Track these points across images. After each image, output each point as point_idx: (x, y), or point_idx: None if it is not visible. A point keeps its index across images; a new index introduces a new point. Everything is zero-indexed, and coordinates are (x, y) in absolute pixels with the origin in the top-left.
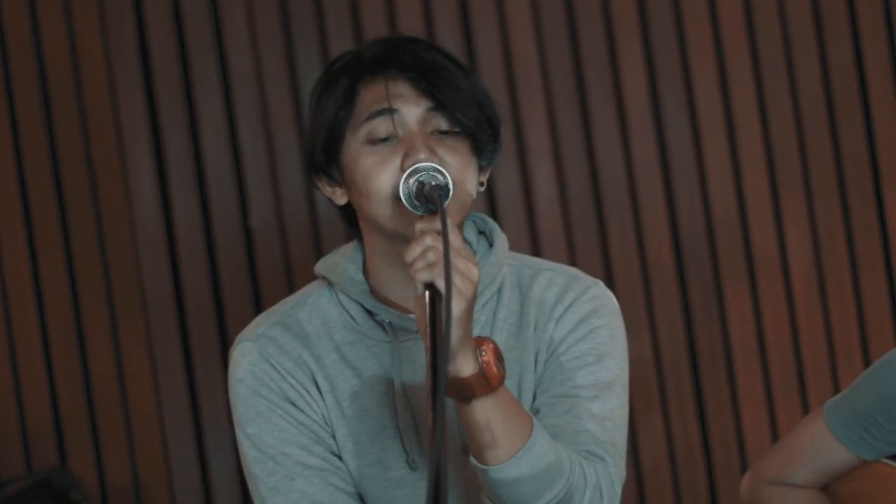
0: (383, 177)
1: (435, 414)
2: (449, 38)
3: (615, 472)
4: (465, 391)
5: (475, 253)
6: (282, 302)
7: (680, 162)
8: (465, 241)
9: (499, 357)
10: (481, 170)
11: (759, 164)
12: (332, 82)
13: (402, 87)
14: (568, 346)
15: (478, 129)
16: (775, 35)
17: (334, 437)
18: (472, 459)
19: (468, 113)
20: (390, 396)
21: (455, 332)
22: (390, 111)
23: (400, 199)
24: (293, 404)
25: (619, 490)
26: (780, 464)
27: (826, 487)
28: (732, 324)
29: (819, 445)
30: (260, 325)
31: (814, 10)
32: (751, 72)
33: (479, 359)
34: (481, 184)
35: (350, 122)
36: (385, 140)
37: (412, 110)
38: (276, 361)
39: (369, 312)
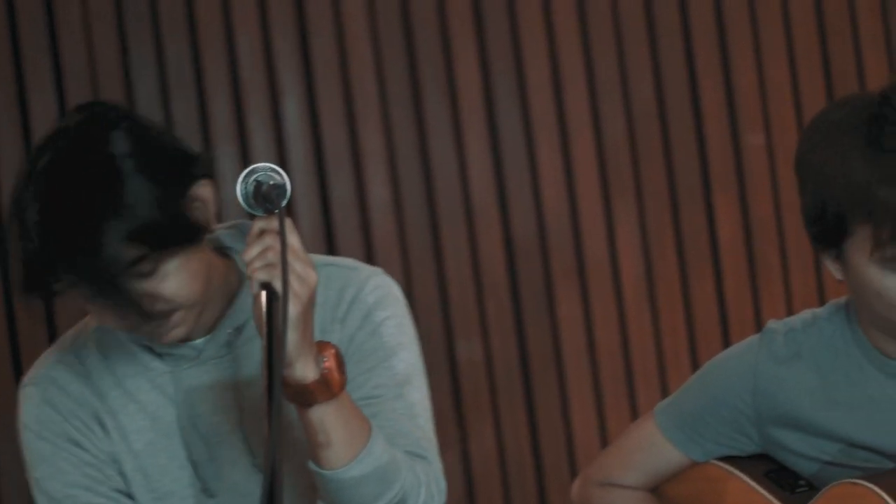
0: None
1: (271, 416)
2: (284, 41)
3: (438, 466)
4: (307, 397)
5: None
6: (64, 337)
7: (513, 166)
8: (228, 247)
9: (340, 362)
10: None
11: (591, 170)
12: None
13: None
14: (359, 345)
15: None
16: (608, 40)
17: (122, 474)
18: (311, 464)
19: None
20: (177, 427)
21: (293, 336)
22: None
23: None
24: (77, 445)
25: (444, 486)
26: (611, 465)
27: (656, 489)
28: (563, 328)
29: (649, 447)
30: (43, 363)
31: (647, 14)
32: (584, 77)
33: (321, 364)
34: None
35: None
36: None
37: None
38: (58, 403)
39: (146, 345)
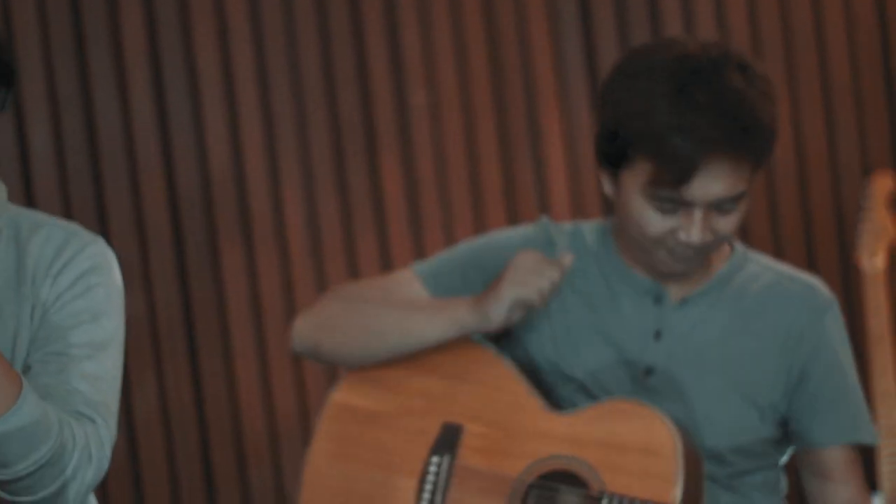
0: None
1: None
2: None
3: (105, 433)
4: None
5: None
6: None
7: (178, 118)
8: None
9: None
10: None
11: (255, 124)
12: None
13: None
14: (64, 303)
15: None
16: None
17: None
18: None
19: None
20: None
21: None
22: None
23: None
24: None
25: (108, 452)
26: (357, 285)
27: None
28: (228, 282)
29: (400, 282)
30: None
31: None
32: (249, 30)
33: None
34: None
35: None
36: None
37: None
38: None
39: None
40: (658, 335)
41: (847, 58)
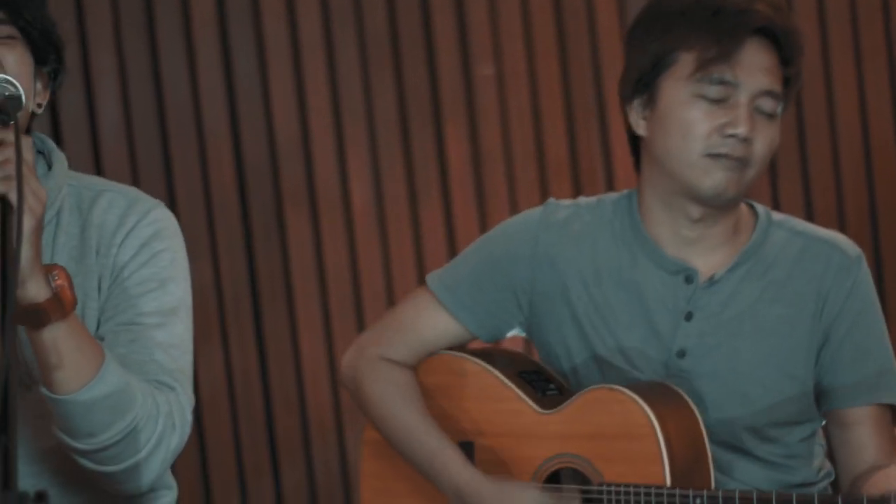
0: None
1: (6, 334)
2: None
3: (185, 399)
4: (40, 317)
5: None
6: None
7: (245, 88)
8: None
9: (70, 281)
10: (40, 91)
11: (323, 95)
12: None
13: None
14: (131, 271)
15: (42, 39)
16: None
17: None
18: (44, 389)
19: (34, 20)
20: None
21: (27, 252)
22: None
23: None
24: None
25: (189, 417)
26: (384, 334)
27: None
28: (293, 251)
29: (422, 312)
30: None
31: None
32: (317, 1)
33: (53, 283)
34: (39, 105)
35: None
36: None
37: None
38: None
39: None
40: (689, 316)
41: None
